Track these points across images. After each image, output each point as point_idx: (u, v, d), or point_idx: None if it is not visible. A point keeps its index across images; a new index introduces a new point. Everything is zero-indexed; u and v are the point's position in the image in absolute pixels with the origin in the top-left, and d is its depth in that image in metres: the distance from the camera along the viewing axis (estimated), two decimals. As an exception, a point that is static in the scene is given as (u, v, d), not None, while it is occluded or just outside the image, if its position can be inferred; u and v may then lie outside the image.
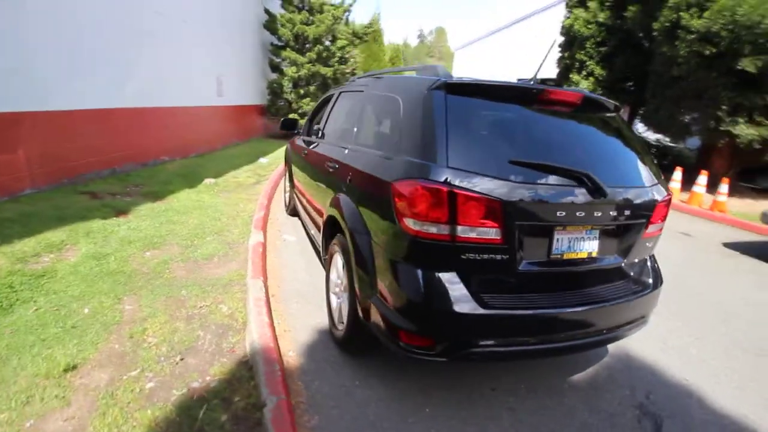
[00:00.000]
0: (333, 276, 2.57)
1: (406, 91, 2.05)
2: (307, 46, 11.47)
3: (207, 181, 6.19)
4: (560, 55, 11.28)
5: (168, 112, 7.26)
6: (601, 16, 9.65)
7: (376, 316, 1.89)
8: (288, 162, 4.83)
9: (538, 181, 1.72)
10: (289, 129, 4.46)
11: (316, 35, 11.16)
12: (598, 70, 9.88)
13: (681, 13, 6.92)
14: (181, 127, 7.48)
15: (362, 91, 2.70)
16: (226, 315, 2.61)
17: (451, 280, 1.69)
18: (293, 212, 5.00)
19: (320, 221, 2.93)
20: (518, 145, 1.82)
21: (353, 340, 2.24)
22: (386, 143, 2.08)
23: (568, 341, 1.83)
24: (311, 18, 11.21)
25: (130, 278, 2.94)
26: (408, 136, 1.89)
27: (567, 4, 10.91)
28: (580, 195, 1.75)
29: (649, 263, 2.19)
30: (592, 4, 9.87)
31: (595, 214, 1.79)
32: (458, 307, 1.66)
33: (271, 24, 10.99)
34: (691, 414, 2.11)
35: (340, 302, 2.42)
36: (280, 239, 4.28)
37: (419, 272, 1.71)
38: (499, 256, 1.70)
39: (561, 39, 11.27)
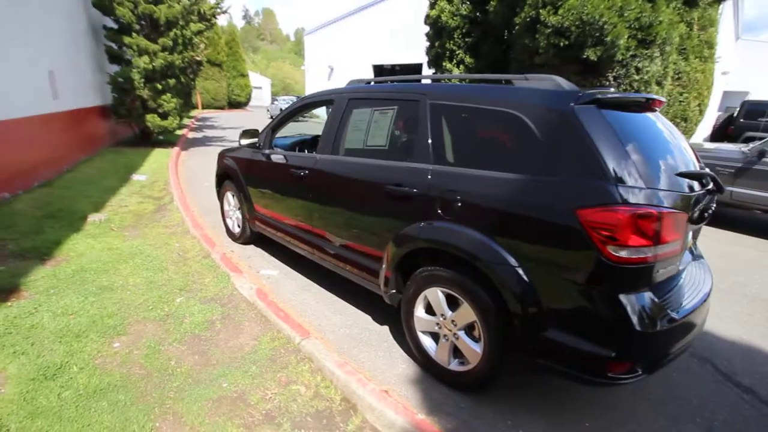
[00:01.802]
0: (424, 315, 2.29)
1: (534, 107, 1.88)
2: (159, 30, 9.40)
3: (92, 218, 4.62)
4: (429, 43, 12.05)
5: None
6: (464, 9, 10.65)
7: (559, 351, 1.78)
8: (237, 180, 3.97)
9: (692, 188, 1.83)
10: (251, 144, 3.63)
11: (168, 16, 9.21)
12: (467, 59, 10.95)
13: (540, 10, 8.12)
14: (11, 149, 5.29)
15: (417, 101, 2.36)
16: (314, 398, 2.04)
17: (651, 299, 1.70)
18: (250, 239, 4.19)
19: (372, 252, 2.55)
20: (661, 153, 1.88)
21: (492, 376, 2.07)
22: (515, 164, 1.90)
23: (698, 335, 2.04)
24: (160, -4, 9.17)
25: (133, 392, 2.02)
26: (560, 156, 1.76)
27: (430, -4, 11.63)
28: (708, 195, 1.93)
29: None
30: (454, -2, 10.76)
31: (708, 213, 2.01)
32: (661, 324, 1.69)
33: (102, 2, 8.56)
34: None
35: (450, 343, 2.17)
36: (258, 275, 3.54)
37: (623, 297, 1.66)
38: (674, 265, 1.78)
39: (426, 29, 12.01)
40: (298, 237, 3.29)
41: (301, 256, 3.44)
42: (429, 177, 2.19)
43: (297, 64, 77.69)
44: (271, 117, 26.14)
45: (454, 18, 10.85)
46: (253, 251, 4.11)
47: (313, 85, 28.79)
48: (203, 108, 30.14)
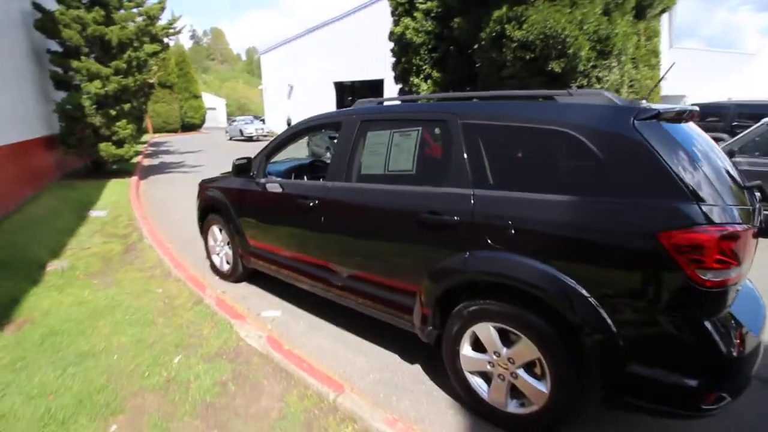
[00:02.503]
0: (473, 353, 2.09)
1: (591, 125, 1.76)
2: (111, 52, 8.74)
3: (52, 266, 4.04)
4: (395, 59, 12.12)
5: None
6: (428, 26, 10.81)
7: (644, 387, 1.66)
8: (225, 213, 3.61)
9: (751, 201, 1.77)
10: (245, 174, 3.29)
11: (122, 38, 8.59)
12: (435, 74, 11.09)
13: (505, 25, 8.36)
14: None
15: (445, 121, 2.19)
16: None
17: (732, 321, 1.65)
18: (242, 276, 3.82)
19: (400, 285, 2.35)
20: (718, 166, 1.81)
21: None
22: (573, 186, 1.76)
23: None
24: (111, 17, 8.54)
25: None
26: (627, 176, 1.66)
27: (393, 13, 11.74)
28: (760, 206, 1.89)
29: None
30: (418, 15, 10.91)
31: None
32: (745, 345, 1.62)
33: (46, 24, 7.81)
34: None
35: (506, 383, 1.98)
36: (260, 319, 3.19)
37: (708, 322, 1.57)
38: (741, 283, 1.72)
39: (391, 45, 12.10)
40: (305, 272, 3.00)
41: (303, 292, 3.15)
42: (472, 202, 2.01)
43: (251, 84, 76.43)
44: (230, 138, 25.46)
45: (419, 34, 10.98)
46: (248, 290, 3.74)
47: (272, 105, 28.27)
48: (154, 132, 28.64)
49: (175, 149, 18.22)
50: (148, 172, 11.28)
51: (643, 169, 1.63)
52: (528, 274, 1.80)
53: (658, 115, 1.71)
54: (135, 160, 12.73)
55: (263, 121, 27.02)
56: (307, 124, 3.10)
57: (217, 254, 3.98)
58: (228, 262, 3.87)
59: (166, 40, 11.51)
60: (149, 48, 9.97)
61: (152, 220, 6.08)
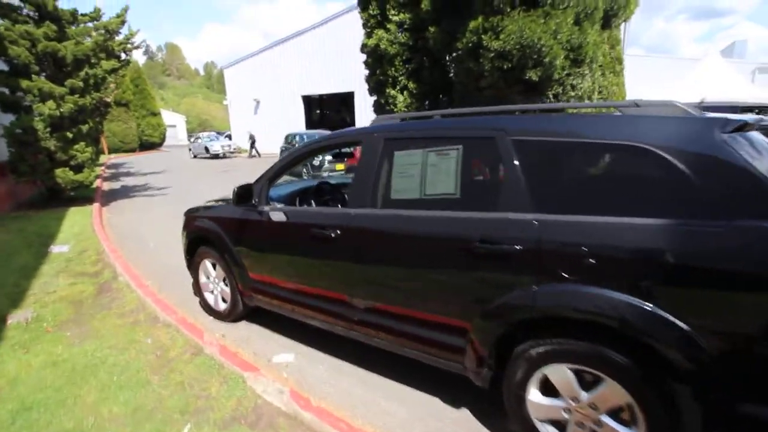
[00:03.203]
0: (543, 399, 1.88)
1: (673, 139, 1.59)
2: (65, 70, 8.00)
3: (14, 317, 3.48)
4: (369, 71, 11.99)
5: None
6: (402, 37, 10.76)
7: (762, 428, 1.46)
8: (221, 245, 3.22)
9: None
10: (245, 201, 2.93)
11: (77, 54, 7.89)
12: (411, 85, 11.02)
13: (482, 36, 8.42)
14: None
15: (492, 138, 1.97)
16: None
17: None
18: (241, 315, 3.43)
19: (444, 321, 2.10)
20: None
21: None
22: (658, 208, 1.58)
23: None
24: (64, 32, 7.84)
25: None
26: (723, 195, 1.50)
27: (365, 25, 11.63)
28: None
29: None
30: (391, 26, 10.85)
31: None
32: None
33: (-12, 40, 7.06)
34: None
35: (587, 430, 1.76)
36: (272, 366, 2.82)
37: None
38: None
39: (363, 57, 11.98)
40: (321, 309, 2.68)
41: (314, 330, 2.83)
42: (536, 229, 1.78)
43: (211, 99, 74.31)
44: (195, 156, 24.35)
45: (393, 45, 10.90)
46: (249, 330, 3.34)
47: (238, 120, 27.45)
48: (110, 153, 27.04)
49: (137, 170, 17.17)
50: (110, 197, 10.44)
51: (739, 187, 1.47)
52: (618, 308, 1.59)
53: (744, 126, 1.57)
54: (94, 184, 11.79)
55: (229, 137, 26.14)
56: (318, 144, 2.81)
57: (211, 292, 3.56)
58: (225, 300, 3.46)
59: (123, 55, 10.82)
60: (107, 64, 9.27)
61: (124, 252, 5.49)
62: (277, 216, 2.85)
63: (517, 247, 1.81)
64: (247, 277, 3.13)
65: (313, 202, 3.32)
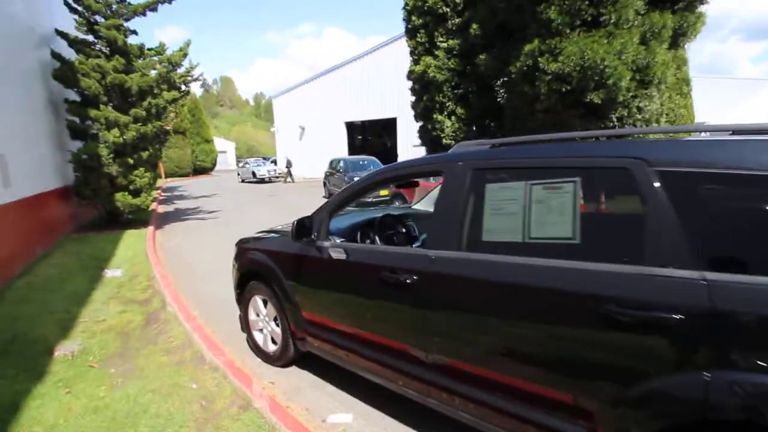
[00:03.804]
0: None
1: None
2: (130, 100, 8.45)
3: (61, 350, 3.35)
4: (415, 98, 11.89)
5: None
6: (451, 63, 10.59)
7: None
8: (275, 282, 2.93)
9: None
10: (305, 235, 2.64)
11: (142, 86, 8.32)
12: (459, 110, 10.75)
13: (538, 58, 8.02)
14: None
15: (626, 169, 1.54)
16: None
17: None
18: (292, 359, 3.09)
19: (555, 396, 1.64)
20: None
21: None
22: None
23: None
24: (131, 65, 8.33)
25: None
26: None
27: (412, 53, 11.63)
28: None
29: None
30: (439, 53, 10.74)
31: None
32: None
33: (65, 73, 7.57)
34: None
35: None
36: (325, 425, 2.42)
37: None
38: None
39: (409, 83, 11.93)
40: (389, 365, 2.27)
41: (372, 384, 2.42)
42: (706, 293, 1.31)
43: (259, 127, 78.33)
44: (243, 180, 25.28)
45: (442, 72, 10.74)
46: (300, 378, 2.99)
47: (284, 146, 28.40)
48: (166, 177, 28.72)
49: (189, 194, 17.92)
50: (163, 220, 10.78)
51: None
52: None
53: None
54: (150, 207, 12.30)
55: (275, 162, 27.05)
56: (385, 175, 2.49)
57: (260, 330, 3.27)
58: (275, 342, 3.15)
59: (183, 87, 11.41)
60: (168, 95, 9.75)
61: (173, 278, 5.41)
62: (337, 253, 2.52)
63: (676, 317, 1.34)
64: (300, 319, 2.81)
65: (377, 237, 2.98)
